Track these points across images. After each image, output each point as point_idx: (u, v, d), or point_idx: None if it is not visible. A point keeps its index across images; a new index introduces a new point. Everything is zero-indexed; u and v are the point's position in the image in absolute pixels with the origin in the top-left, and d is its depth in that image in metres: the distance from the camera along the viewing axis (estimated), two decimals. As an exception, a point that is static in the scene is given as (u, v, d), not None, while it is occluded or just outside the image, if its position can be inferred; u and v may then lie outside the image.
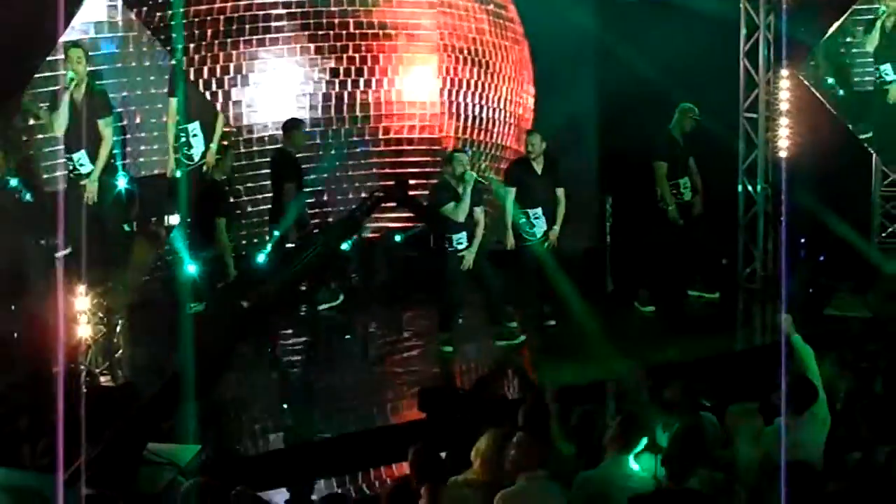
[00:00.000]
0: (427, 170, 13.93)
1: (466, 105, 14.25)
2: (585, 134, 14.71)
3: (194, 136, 12.27)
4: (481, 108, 14.32)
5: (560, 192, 12.36)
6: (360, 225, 10.98)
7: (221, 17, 13.05)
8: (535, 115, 14.70)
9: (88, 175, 11.13)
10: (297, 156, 12.72)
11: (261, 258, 12.40)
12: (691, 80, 13.12)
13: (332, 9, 13.55)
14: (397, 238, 13.70)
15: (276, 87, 13.43)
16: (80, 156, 11.04)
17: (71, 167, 11.15)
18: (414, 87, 14.00)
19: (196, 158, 12.22)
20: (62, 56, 11.20)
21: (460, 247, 11.77)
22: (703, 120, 13.00)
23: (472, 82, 14.25)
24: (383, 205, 10.88)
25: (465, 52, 14.22)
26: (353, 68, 13.69)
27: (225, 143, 12.71)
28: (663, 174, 12.90)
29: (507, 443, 7.39)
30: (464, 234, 11.81)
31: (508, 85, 14.54)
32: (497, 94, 14.44)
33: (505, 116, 14.51)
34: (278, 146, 12.90)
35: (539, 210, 12.25)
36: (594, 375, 10.61)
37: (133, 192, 11.67)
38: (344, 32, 13.62)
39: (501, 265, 12.36)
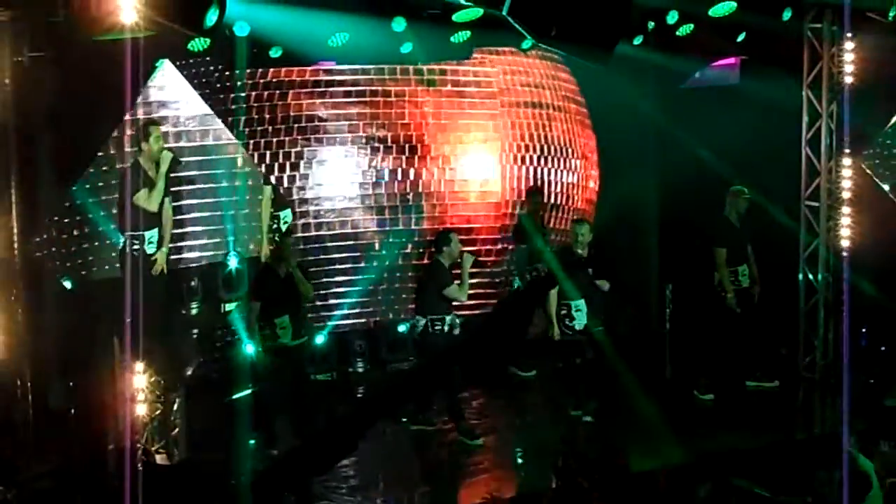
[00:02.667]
0: (490, 258, 13.99)
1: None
2: (646, 219, 14.72)
3: (285, 222, 12.53)
4: (546, 193, 14.32)
5: (605, 284, 12.21)
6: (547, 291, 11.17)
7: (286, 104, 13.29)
8: (598, 200, 14.74)
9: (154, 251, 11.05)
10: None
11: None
12: (753, 167, 13.11)
13: (394, 88, 13.67)
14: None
15: (336, 173, 13.53)
16: (153, 234, 10.77)
17: (136, 245, 10.95)
18: (477, 171, 14.02)
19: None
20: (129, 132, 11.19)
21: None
22: (763, 206, 12.97)
23: (536, 169, 14.29)
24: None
25: (529, 137, 14.30)
26: (415, 157, 13.72)
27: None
28: (723, 261, 12.80)
29: None
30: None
31: (574, 170, 14.59)
32: (562, 179, 14.48)
33: (569, 201, 14.55)
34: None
35: (582, 302, 12.08)
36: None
37: (241, 271, 11.87)
38: (405, 111, 13.71)
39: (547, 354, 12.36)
